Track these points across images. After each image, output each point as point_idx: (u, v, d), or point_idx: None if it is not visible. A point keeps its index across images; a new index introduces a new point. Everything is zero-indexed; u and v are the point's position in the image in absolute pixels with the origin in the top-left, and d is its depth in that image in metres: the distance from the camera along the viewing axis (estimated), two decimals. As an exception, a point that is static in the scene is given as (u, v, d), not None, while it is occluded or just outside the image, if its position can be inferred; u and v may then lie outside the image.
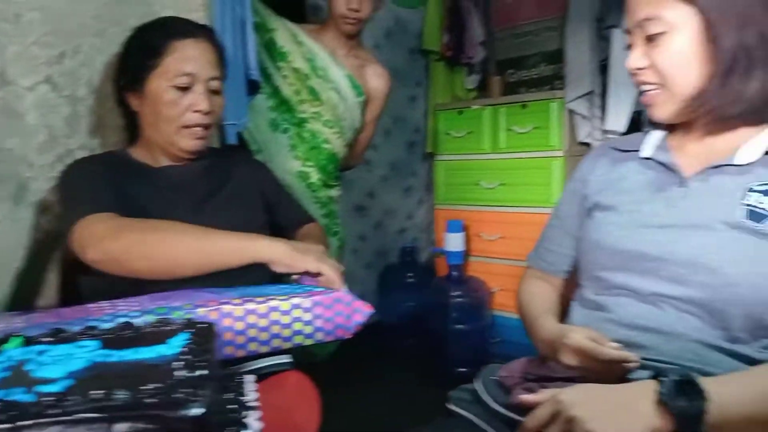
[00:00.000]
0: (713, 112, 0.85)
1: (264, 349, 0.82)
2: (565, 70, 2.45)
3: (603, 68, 2.38)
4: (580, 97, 2.36)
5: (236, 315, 0.80)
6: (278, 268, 0.97)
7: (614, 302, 0.92)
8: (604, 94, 2.36)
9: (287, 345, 0.84)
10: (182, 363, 0.49)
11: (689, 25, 0.83)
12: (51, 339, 0.58)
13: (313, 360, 1.69)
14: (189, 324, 0.62)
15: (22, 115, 1.16)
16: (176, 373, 0.46)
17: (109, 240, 0.96)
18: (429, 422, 0.91)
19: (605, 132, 2.34)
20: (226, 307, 0.80)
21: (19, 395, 0.43)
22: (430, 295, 2.54)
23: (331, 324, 0.85)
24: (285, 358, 0.91)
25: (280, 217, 1.32)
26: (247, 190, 1.25)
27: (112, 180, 1.11)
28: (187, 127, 1.13)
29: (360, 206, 2.81)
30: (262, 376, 0.85)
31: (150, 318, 0.73)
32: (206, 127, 1.16)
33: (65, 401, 0.41)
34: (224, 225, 1.04)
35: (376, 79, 1.84)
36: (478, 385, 0.87)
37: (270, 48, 1.73)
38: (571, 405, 0.71)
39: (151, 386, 0.43)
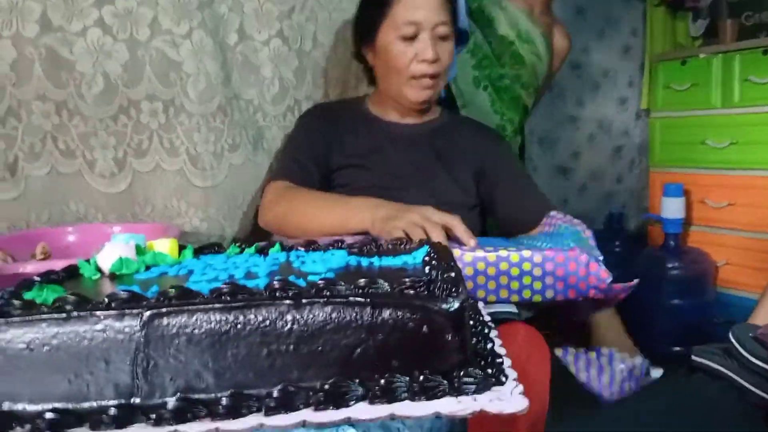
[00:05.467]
0: None
1: (491, 299, 0.81)
2: (823, 5, 2.05)
3: None
4: (843, 36, 1.96)
5: (465, 260, 0.79)
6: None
7: None
8: None
9: (515, 298, 0.82)
10: (431, 267, 0.49)
11: None
12: (304, 248, 0.62)
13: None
14: (426, 242, 0.62)
15: (258, 67, 1.27)
16: (432, 273, 0.45)
17: (268, 210, 1.10)
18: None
19: None
20: (456, 251, 0.79)
21: (293, 280, 0.46)
22: (641, 266, 2.32)
23: (562, 283, 0.81)
24: (512, 308, 0.88)
25: (498, 202, 1.19)
26: (464, 164, 1.19)
27: (325, 136, 1.17)
28: (415, 77, 1.13)
29: (563, 168, 2.65)
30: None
31: None
32: (433, 76, 1.14)
33: (335, 285, 0.42)
34: (424, 193, 1.05)
35: (562, 40, 1.81)
36: (733, 342, 0.78)
37: (477, 14, 1.72)
38: None
39: (409, 281, 0.43)
